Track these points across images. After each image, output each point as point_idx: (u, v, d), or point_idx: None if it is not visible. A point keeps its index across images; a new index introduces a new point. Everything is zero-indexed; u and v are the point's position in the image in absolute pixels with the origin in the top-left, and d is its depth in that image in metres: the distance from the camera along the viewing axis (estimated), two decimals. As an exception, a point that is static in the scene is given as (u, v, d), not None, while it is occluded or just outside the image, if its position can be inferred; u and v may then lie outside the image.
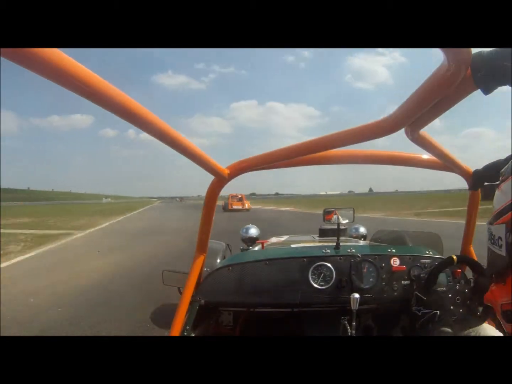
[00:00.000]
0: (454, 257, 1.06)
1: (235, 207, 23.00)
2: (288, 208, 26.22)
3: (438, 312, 0.97)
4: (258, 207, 30.34)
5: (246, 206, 23.66)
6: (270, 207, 29.42)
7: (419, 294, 1.03)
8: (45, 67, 0.38)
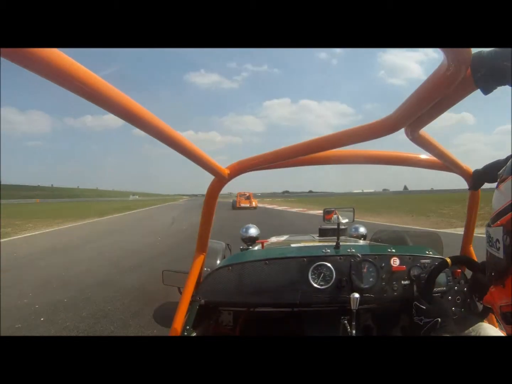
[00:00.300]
0: (448, 259, 1.06)
1: (242, 205, 24.14)
2: (320, 211, 20.42)
3: (439, 319, 0.97)
4: (283, 208, 24.50)
5: (254, 204, 24.70)
6: (298, 209, 23.30)
7: (418, 304, 1.03)
8: (45, 67, 0.38)
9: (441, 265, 1.07)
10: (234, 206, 24.03)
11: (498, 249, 0.49)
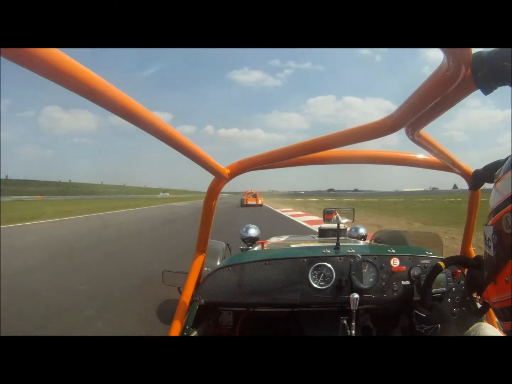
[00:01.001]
0: (441, 263, 1.06)
1: (249, 202, 26.20)
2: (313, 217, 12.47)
3: (439, 325, 0.97)
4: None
5: (260, 202, 26.71)
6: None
7: (418, 313, 1.03)
8: (45, 67, 0.38)
9: (435, 270, 1.07)
10: (242, 204, 25.89)
11: (490, 247, 0.51)
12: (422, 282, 1.11)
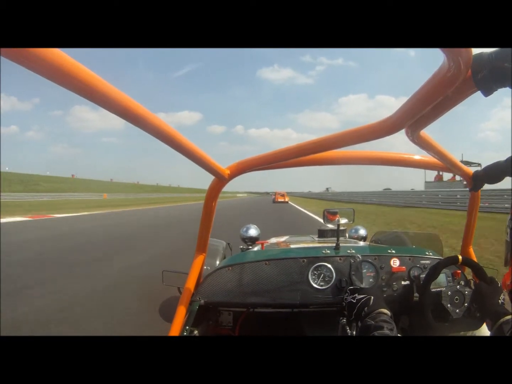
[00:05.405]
0: (460, 257, 1.06)
1: (279, 200, 36.44)
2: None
3: (372, 297, 0.97)
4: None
5: (286, 199, 37.17)
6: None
7: (353, 287, 1.09)
8: (46, 67, 0.38)
9: (452, 260, 1.07)
10: (274, 201, 35.78)
11: (507, 233, 0.60)
12: (428, 271, 1.11)
